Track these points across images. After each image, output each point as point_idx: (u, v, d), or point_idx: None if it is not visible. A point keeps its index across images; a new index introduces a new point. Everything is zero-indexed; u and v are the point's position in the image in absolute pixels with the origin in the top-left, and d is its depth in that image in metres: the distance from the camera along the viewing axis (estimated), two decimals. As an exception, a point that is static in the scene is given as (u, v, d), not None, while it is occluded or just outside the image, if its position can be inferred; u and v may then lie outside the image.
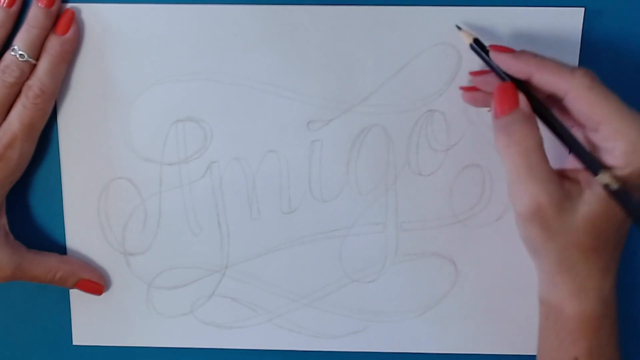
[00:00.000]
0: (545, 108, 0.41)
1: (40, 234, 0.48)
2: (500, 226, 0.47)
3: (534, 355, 0.49)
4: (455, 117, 0.46)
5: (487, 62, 0.42)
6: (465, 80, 0.45)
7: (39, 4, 0.43)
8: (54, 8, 0.44)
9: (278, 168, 0.47)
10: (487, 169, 0.47)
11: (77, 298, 0.49)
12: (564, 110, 0.41)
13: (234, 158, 0.47)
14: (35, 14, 0.43)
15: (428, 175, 0.47)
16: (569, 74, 0.39)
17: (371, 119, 0.46)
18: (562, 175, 0.40)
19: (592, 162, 0.39)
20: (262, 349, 0.50)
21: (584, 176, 0.40)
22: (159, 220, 0.48)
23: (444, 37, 0.44)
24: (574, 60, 0.45)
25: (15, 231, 0.47)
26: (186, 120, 0.46)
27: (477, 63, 0.45)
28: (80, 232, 0.48)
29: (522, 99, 0.40)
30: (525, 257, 0.47)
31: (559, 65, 0.40)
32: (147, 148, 0.47)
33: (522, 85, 0.41)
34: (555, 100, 0.41)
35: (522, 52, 0.41)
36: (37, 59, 0.44)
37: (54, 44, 0.44)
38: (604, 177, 0.38)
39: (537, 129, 0.40)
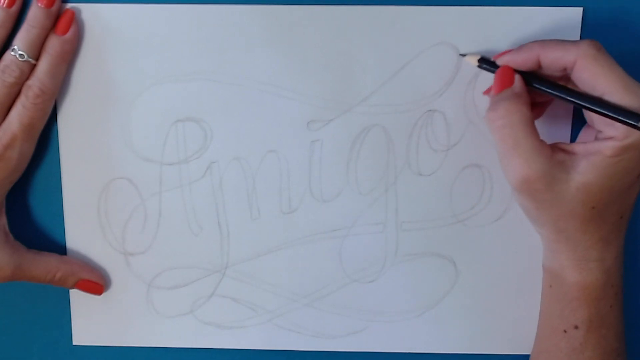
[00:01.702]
0: (560, 85, 0.41)
1: (40, 234, 0.48)
2: (500, 226, 0.47)
3: (534, 355, 0.49)
4: (455, 117, 0.46)
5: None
6: (465, 80, 0.45)
7: (39, 4, 0.43)
8: (54, 8, 0.44)
9: (278, 168, 0.47)
10: (487, 169, 0.47)
11: (77, 298, 0.49)
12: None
13: (234, 158, 0.47)
14: (35, 14, 0.43)
15: (428, 175, 0.47)
16: (574, 45, 0.40)
17: (371, 119, 0.46)
18: (556, 148, 0.41)
19: (628, 113, 0.38)
20: (262, 349, 0.50)
21: (581, 147, 0.41)
22: (159, 220, 0.48)
23: (444, 37, 0.45)
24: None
25: (15, 231, 0.47)
26: (186, 120, 0.46)
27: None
28: (80, 232, 0.48)
29: (517, 78, 0.41)
30: (525, 257, 0.47)
31: (563, 41, 0.40)
32: (147, 148, 0.47)
33: (535, 77, 0.42)
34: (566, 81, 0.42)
35: (525, 44, 0.42)
36: (37, 59, 0.44)
37: (54, 44, 0.44)
38: None
39: (525, 104, 0.41)
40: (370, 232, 0.48)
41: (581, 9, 0.44)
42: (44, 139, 0.46)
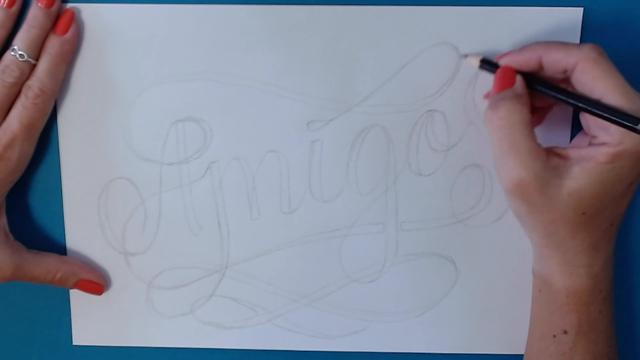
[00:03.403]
0: (559, 87, 0.41)
1: (40, 234, 0.48)
2: (500, 226, 0.47)
3: (534, 355, 0.49)
4: (455, 117, 0.46)
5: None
6: (465, 80, 0.45)
7: (39, 4, 0.43)
8: (54, 8, 0.44)
9: (278, 168, 0.47)
10: (487, 169, 0.47)
11: (77, 298, 0.49)
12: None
13: (234, 158, 0.47)
14: (35, 14, 0.43)
15: (428, 175, 0.47)
16: (577, 48, 0.40)
17: (371, 119, 0.46)
18: (551, 152, 0.41)
19: (627, 116, 0.38)
20: (262, 349, 0.50)
21: (575, 152, 0.40)
22: (159, 220, 0.48)
23: (444, 37, 0.45)
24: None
25: (15, 231, 0.47)
26: (186, 120, 0.46)
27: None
28: (80, 232, 0.48)
29: (518, 79, 0.41)
30: (525, 257, 0.47)
31: (566, 43, 0.41)
32: (147, 148, 0.47)
33: (535, 79, 0.42)
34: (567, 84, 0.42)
35: (528, 44, 0.42)
36: (37, 59, 0.44)
37: (54, 44, 0.44)
38: None
39: (526, 106, 0.40)
40: (370, 232, 0.48)
41: (581, 9, 0.44)
42: (44, 139, 0.46)
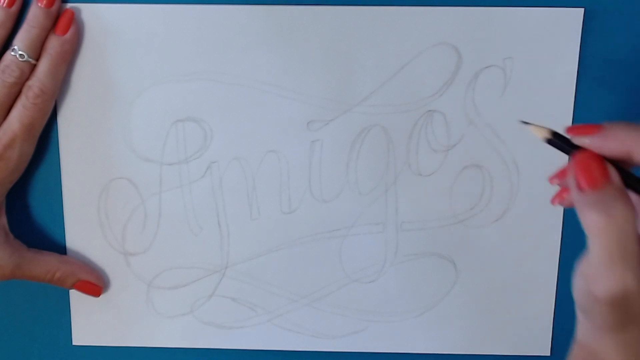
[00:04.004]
0: (636, 178, 0.35)
1: (40, 234, 0.48)
2: (500, 226, 0.47)
3: (534, 356, 0.49)
4: (455, 117, 0.46)
5: (569, 154, 0.36)
6: (465, 80, 0.45)
7: (39, 4, 0.43)
8: (54, 8, 0.43)
9: (278, 168, 0.47)
10: (487, 169, 0.47)
11: (77, 298, 0.49)
12: None
13: (234, 158, 0.47)
14: (35, 14, 0.43)
15: (428, 176, 0.47)
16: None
17: (371, 119, 0.46)
18: None
19: None
20: (262, 349, 0.50)
21: None
22: (159, 220, 0.48)
23: (444, 37, 0.45)
24: (574, 60, 0.45)
25: (15, 231, 0.47)
26: (186, 120, 0.46)
27: (478, 64, 0.45)
28: (80, 232, 0.48)
29: (612, 171, 0.35)
30: (525, 257, 0.47)
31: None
32: (147, 148, 0.47)
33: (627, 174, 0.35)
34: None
35: (612, 127, 0.35)
36: (37, 59, 0.44)
37: (54, 44, 0.44)
38: None
39: (633, 206, 0.34)
40: (370, 232, 0.48)
41: (582, 9, 0.44)
42: (44, 139, 0.46)
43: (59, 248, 0.48)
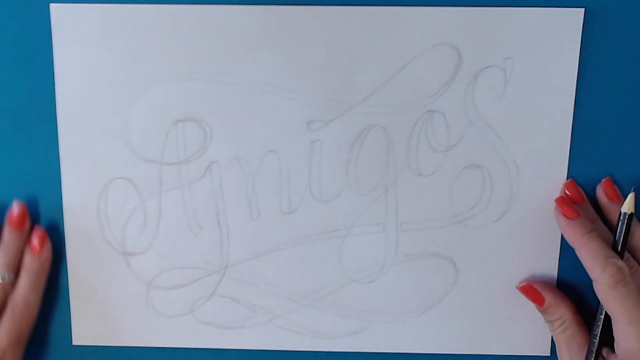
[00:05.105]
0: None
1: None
2: (500, 226, 0.47)
3: (534, 356, 0.49)
4: (455, 117, 0.46)
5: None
6: (465, 80, 0.45)
7: (10, 228, 0.45)
8: (25, 228, 0.46)
9: (278, 168, 0.47)
10: (487, 169, 0.47)
11: (77, 298, 0.49)
12: None
13: (234, 158, 0.47)
14: (9, 237, 0.45)
15: (428, 176, 0.47)
16: (600, 269, 0.42)
17: (371, 119, 0.46)
18: None
19: None
20: (262, 349, 0.50)
21: None
22: (159, 220, 0.48)
23: (444, 37, 0.44)
24: (574, 60, 0.45)
25: (15, 231, 0.47)
26: (186, 120, 0.46)
27: (478, 64, 0.45)
28: (80, 232, 0.48)
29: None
30: (525, 257, 0.47)
31: (596, 254, 0.43)
32: (147, 148, 0.47)
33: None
34: None
35: (577, 223, 0.44)
36: (17, 273, 0.45)
37: (32, 263, 0.46)
38: None
39: None
40: (370, 232, 0.48)
41: (583, 9, 0.44)
42: (44, 139, 0.46)
43: (59, 248, 0.48)
